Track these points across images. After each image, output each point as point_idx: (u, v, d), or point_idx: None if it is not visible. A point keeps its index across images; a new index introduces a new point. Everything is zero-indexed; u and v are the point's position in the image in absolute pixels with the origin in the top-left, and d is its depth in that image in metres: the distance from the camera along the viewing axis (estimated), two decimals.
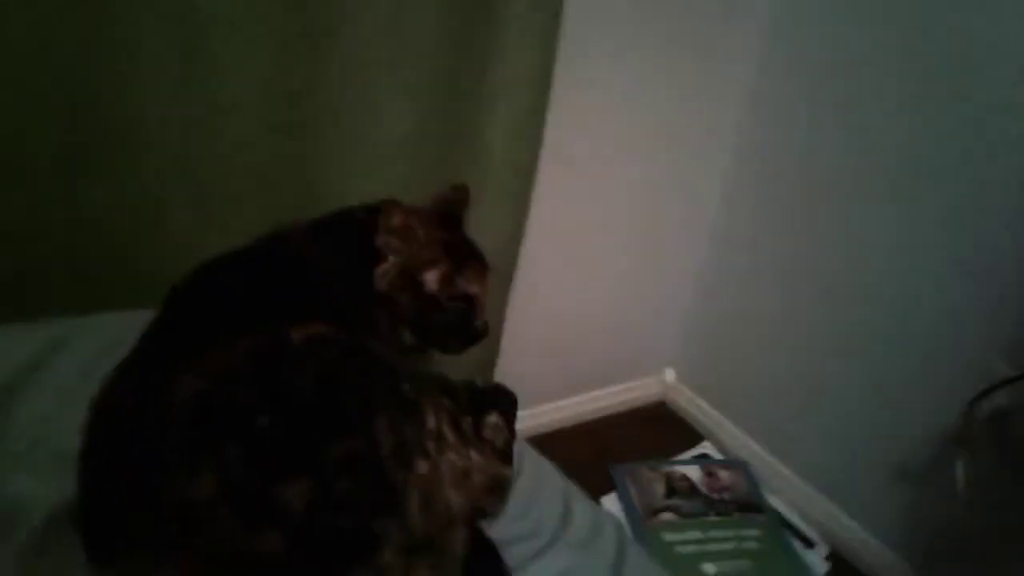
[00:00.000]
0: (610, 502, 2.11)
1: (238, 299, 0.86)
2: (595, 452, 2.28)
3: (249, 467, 0.66)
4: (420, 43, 1.50)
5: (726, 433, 2.45)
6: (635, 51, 1.92)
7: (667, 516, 2.09)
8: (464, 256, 1.02)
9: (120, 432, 0.74)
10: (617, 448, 2.34)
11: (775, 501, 2.22)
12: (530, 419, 2.30)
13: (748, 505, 2.18)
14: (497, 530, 0.90)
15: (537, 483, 1.07)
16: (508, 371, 1.99)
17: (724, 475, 2.26)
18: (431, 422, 0.78)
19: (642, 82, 1.98)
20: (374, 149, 1.54)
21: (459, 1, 1.50)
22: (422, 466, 0.73)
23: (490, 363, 1.96)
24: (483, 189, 1.70)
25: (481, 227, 1.71)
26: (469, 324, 1.02)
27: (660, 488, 2.17)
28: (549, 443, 2.18)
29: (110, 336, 1.09)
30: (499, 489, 0.87)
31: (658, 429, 2.53)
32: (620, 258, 2.27)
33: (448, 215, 1.07)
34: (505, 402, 1.04)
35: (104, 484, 0.73)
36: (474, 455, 0.82)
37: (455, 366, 1.25)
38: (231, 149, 1.41)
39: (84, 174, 1.30)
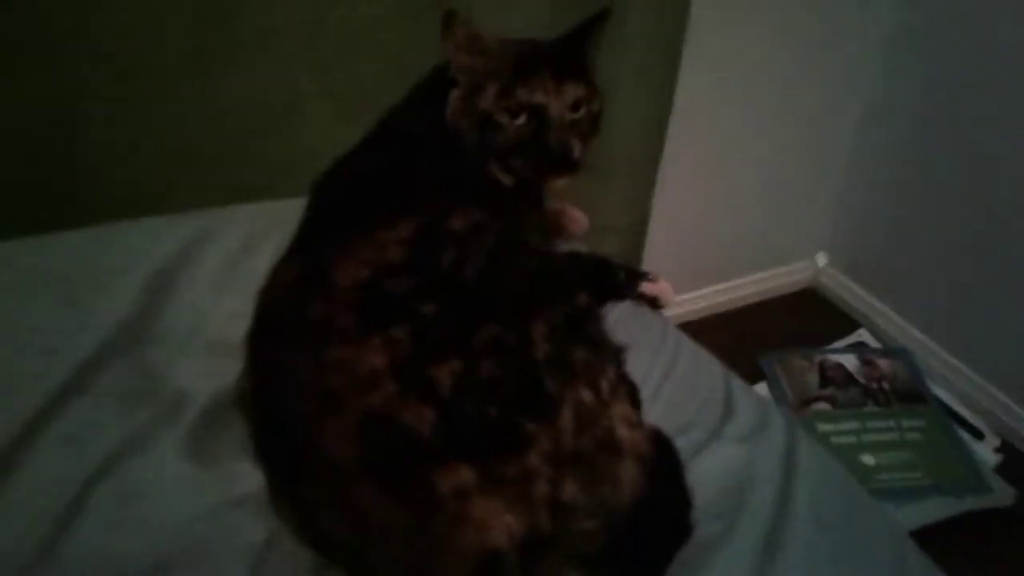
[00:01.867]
0: (760, 392, 2.03)
1: (370, 184, 0.89)
2: (743, 340, 2.19)
3: (413, 347, 0.69)
4: None
5: (884, 319, 2.29)
6: None
7: (821, 406, 1.99)
8: (535, 65, 0.90)
9: (287, 313, 0.78)
10: (766, 336, 2.23)
11: (939, 391, 2.08)
12: (675, 306, 2.22)
13: (909, 395, 2.04)
14: (654, 421, 0.85)
15: (695, 372, 1.01)
16: (653, 256, 1.93)
17: (883, 363, 2.13)
18: (611, 373, 0.77)
19: None
20: (512, 31, 1.46)
21: None
22: (585, 394, 0.72)
23: (636, 246, 1.89)
24: (625, 69, 1.60)
25: (624, 110, 1.64)
26: (540, 142, 0.90)
27: (813, 377, 2.06)
28: (695, 331, 2.10)
29: (252, 227, 1.12)
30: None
31: (809, 316, 2.40)
32: (767, 137, 2.12)
33: (575, 31, 0.97)
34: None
35: (271, 359, 0.77)
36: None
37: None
38: (361, 35, 1.36)
39: (214, 68, 1.29)
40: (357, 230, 0.78)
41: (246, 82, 1.32)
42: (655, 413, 0.88)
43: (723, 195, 2.15)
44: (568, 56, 0.94)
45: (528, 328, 0.72)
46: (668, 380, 0.98)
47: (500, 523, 0.64)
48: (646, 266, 1.94)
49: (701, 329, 2.19)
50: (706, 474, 0.85)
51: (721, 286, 2.35)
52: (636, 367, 0.90)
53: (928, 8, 1.97)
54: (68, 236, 1.08)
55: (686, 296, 2.28)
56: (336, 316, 0.72)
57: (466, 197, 0.85)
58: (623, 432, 0.73)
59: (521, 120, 0.89)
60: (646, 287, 1.03)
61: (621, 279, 1.01)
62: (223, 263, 1.06)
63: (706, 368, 1.03)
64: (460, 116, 0.91)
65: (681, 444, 0.86)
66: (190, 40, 1.26)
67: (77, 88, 1.22)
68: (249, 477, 0.78)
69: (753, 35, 1.89)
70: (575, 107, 0.92)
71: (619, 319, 1.00)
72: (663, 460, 0.80)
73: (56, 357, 0.88)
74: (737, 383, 1.02)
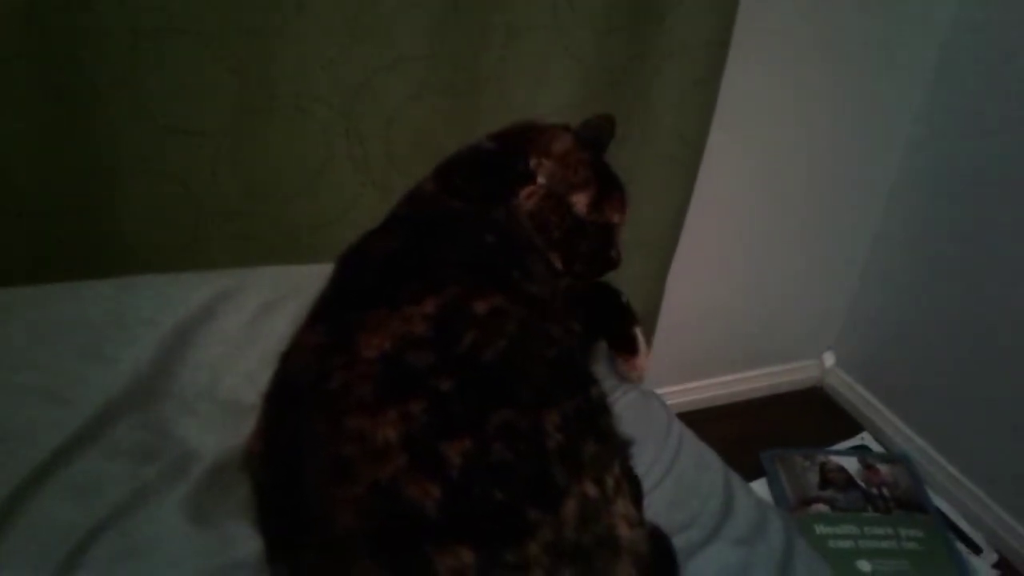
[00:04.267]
0: (759, 489, 2.02)
1: (401, 259, 0.91)
2: (744, 435, 2.18)
3: (428, 423, 0.70)
4: (589, 3, 1.44)
5: (888, 425, 2.29)
6: (821, 9, 1.79)
7: (820, 508, 1.98)
8: (611, 183, 1.06)
9: (307, 380, 0.78)
10: (769, 432, 2.24)
11: (939, 501, 2.07)
12: (679, 395, 2.23)
13: (909, 503, 2.04)
14: (654, 517, 0.85)
15: (696, 469, 1.01)
16: (662, 346, 1.94)
17: (884, 469, 2.13)
18: (616, 469, 0.77)
19: (824, 44, 1.86)
20: (536, 113, 1.50)
21: None
22: (590, 489, 0.72)
23: (647, 330, 1.90)
24: (649, 158, 1.63)
25: (645, 196, 1.67)
26: (607, 252, 1.06)
27: (814, 478, 2.06)
28: (698, 422, 2.10)
29: (272, 291, 1.13)
30: None
31: (813, 416, 2.41)
32: (784, 234, 2.15)
33: (595, 141, 1.10)
34: None
35: (287, 422, 0.78)
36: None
37: None
38: (393, 109, 1.40)
39: (253, 130, 1.33)
40: (384, 304, 0.80)
41: (282, 145, 1.36)
42: (655, 508, 0.88)
43: (733, 287, 2.18)
44: (612, 169, 1.09)
45: (541, 417, 0.73)
46: (669, 475, 0.98)
47: None
48: (653, 353, 1.95)
49: (703, 420, 2.17)
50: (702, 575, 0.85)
51: (726, 378, 2.36)
52: (639, 460, 0.91)
53: (944, 112, 2.01)
54: (98, 285, 1.09)
55: (690, 385, 2.28)
56: (355, 385, 0.73)
57: (492, 280, 0.87)
58: (623, 531, 0.73)
59: (599, 231, 1.05)
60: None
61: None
62: (241, 324, 1.07)
63: (708, 465, 1.03)
64: (548, 213, 1.01)
65: (679, 543, 0.85)
66: (233, 101, 1.29)
67: (116, 140, 1.25)
68: (247, 541, 0.78)
69: (775, 128, 1.93)
70: None
71: (624, 409, 1.00)
72: (661, 560, 0.80)
73: (72, 406, 0.89)
74: (738, 482, 1.02)
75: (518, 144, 1.05)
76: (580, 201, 1.02)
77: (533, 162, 1.01)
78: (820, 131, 2.00)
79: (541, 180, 1.01)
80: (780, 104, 1.89)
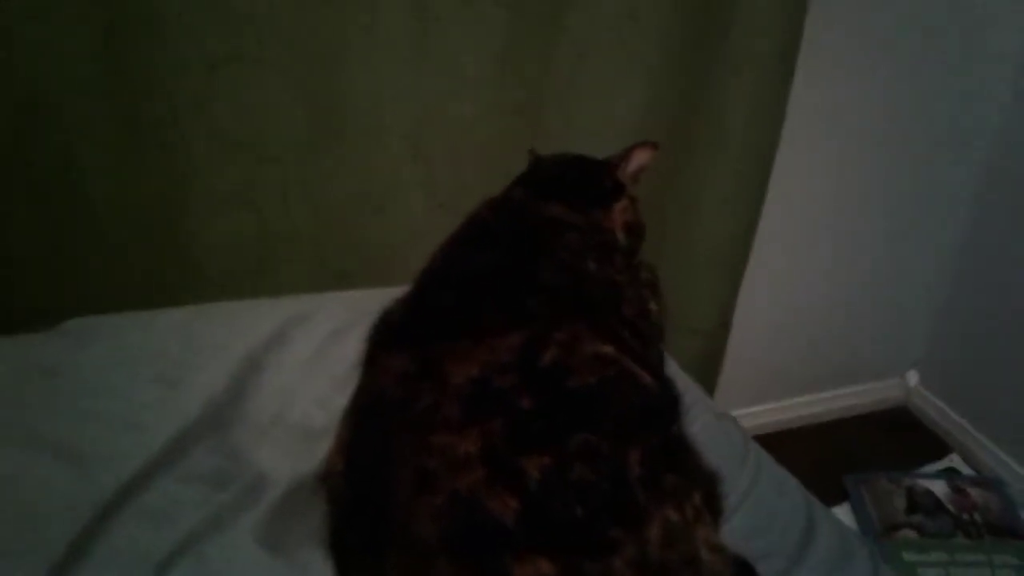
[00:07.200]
0: (843, 514, 1.95)
1: (483, 284, 0.91)
2: (827, 458, 2.11)
3: (506, 435, 0.71)
4: (655, 19, 1.43)
5: (978, 446, 2.19)
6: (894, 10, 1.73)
7: (908, 533, 1.90)
8: None
9: (393, 402, 0.79)
10: (853, 454, 2.17)
11: None
12: (756, 417, 2.18)
13: (1002, 528, 1.94)
14: (734, 545, 0.82)
15: (776, 496, 0.98)
16: (736, 365, 1.89)
17: (975, 493, 2.03)
18: (697, 498, 0.76)
19: (901, 44, 1.79)
20: (605, 130, 1.48)
21: None
22: (672, 513, 0.71)
23: (717, 356, 1.86)
24: (718, 173, 1.61)
25: (715, 212, 1.64)
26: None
27: (900, 502, 1.98)
28: (775, 444, 2.04)
29: (345, 315, 1.14)
30: None
31: (899, 437, 2.31)
32: (863, 245, 2.09)
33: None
34: None
35: (371, 439, 0.79)
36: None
37: (681, 357, 1.20)
38: (461, 131, 1.41)
39: (321, 156, 1.35)
40: (467, 332, 0.82)
41: (351, 171, 1.37)
42: (732, 536, 0.85)
43: (809, 304, 2.11)
44: None
45: (625, 450, 0.72)
46: (747, 502, 0.95)
47: None
48: (727, 372, 1.91)
49: (783, 442, 2.10)
50: None
51: (805, 398, 2.29)
52: None
53: None
54: (172, 313, 1.12)
55: (768, 406, 2.22)
56: (443, 406, 0.74)
57: (580, 310, 0.88)
58: (705, 554, 0.71)
59: None
60: None
61: None
62: (311, 350, 1.09)
63: (787, 491, 1.00)
64: (633, 219, 1.13)
65: (761, 571, 0.83)
66: (303, 127, 1.32)
67: (190, 168, 1.28)
68: (319, 568, 0.78)
69: (849, 134, 1.87)
70: None
71: (699, 432, 0.97)
72: None
73: (148, 432, 0.90)
74: (819, 509, 0.99)
75: (603, 160, 1.14)
76: (639, 208, 1.14)
77: (628, 178, 1.13)
78: (898, 135, 1.92)
79: (626, 196, 1.12)
80: (854, 109, 1.83)
